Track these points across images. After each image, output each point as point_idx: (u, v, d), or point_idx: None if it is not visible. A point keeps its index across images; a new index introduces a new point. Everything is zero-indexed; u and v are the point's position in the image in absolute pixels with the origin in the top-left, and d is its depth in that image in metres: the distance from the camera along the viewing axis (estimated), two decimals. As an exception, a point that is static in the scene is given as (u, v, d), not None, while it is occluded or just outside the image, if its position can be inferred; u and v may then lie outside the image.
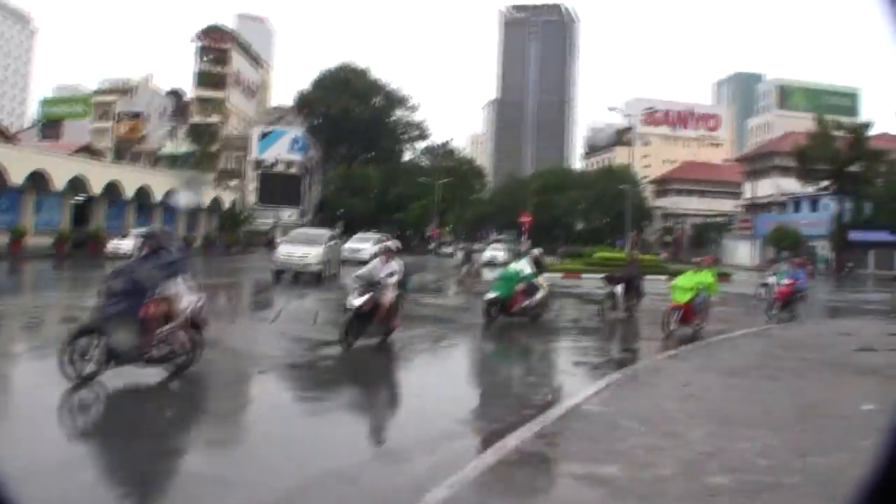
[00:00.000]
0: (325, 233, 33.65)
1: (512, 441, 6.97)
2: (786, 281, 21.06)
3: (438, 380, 11.88)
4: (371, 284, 12.70)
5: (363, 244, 41.26)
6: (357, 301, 12.35)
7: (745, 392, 9.83)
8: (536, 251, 19.68)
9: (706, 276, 16.91)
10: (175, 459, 6.83)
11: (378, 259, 13.49)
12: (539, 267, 18.70)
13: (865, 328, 19.31)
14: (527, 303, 17.47)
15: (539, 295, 17.81)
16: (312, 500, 5.86)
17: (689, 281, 16.57)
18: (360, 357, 12.34)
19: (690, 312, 16.37)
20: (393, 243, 14.31)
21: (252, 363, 11.71)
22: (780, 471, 6.31)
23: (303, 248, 28.70)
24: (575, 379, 11.80)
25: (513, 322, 17.50)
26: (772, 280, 23.83)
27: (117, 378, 8.94)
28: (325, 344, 13.06)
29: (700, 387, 10.05)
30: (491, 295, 17.44)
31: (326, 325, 15.11)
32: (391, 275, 12.96)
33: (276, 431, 7.82)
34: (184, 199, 49.13)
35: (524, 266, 18.10)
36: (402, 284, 14.21)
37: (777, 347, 14.40)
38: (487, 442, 7.17)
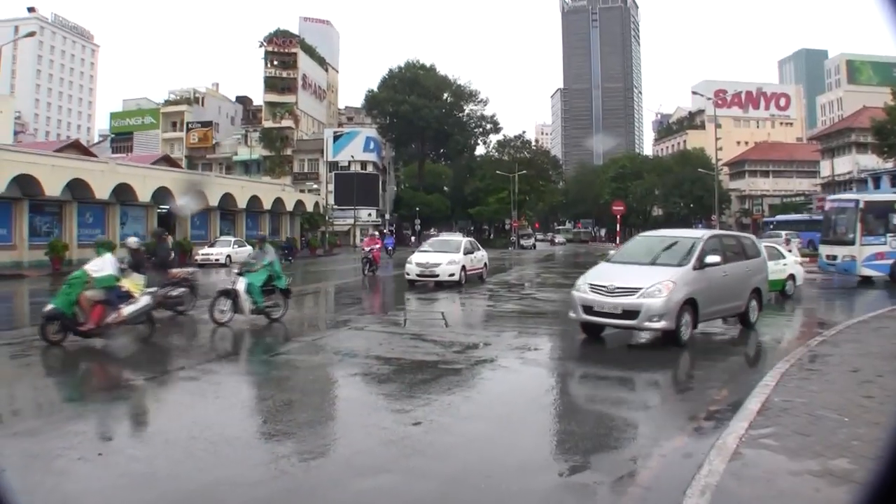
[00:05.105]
0: None
1: (731, 439, 6.51)
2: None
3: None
4: None
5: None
6: None
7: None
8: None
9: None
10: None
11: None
12: (135, 266, 14.61)
13: None
14: (112, 317, 12.67)
15: (134, 306, 13.08)
16: None
17: None
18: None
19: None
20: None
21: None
22: None
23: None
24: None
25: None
26: (239, 284, 15.35)
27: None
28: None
29: (871, 373, 9.44)
30: (47, 307, 12.58)
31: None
32: None
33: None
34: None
35: (103, 265, 12.89)
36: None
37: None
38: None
